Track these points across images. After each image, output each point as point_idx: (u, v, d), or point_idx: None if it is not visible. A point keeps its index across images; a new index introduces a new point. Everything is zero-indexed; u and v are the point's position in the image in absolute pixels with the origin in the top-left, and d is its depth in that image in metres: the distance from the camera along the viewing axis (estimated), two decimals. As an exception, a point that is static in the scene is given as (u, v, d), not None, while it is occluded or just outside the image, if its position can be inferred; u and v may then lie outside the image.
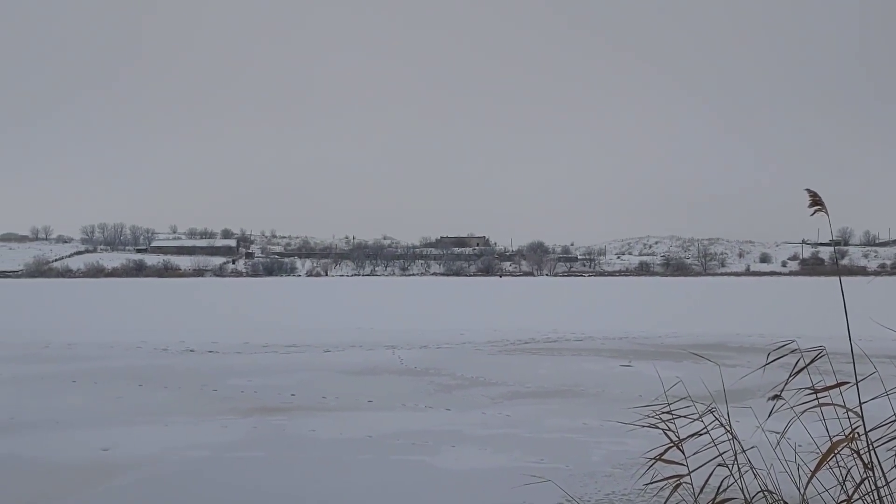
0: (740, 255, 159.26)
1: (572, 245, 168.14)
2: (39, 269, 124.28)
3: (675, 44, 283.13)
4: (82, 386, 10.70)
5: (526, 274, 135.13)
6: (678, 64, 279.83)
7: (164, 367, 12.63)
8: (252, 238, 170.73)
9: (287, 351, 15.00)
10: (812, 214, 3.09)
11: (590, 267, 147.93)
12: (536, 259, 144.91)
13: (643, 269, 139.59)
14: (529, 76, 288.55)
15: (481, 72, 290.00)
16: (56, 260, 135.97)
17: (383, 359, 13.63)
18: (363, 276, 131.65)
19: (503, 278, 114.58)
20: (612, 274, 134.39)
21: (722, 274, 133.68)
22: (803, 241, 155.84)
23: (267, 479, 5.94)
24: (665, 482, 3.15)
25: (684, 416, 3.18)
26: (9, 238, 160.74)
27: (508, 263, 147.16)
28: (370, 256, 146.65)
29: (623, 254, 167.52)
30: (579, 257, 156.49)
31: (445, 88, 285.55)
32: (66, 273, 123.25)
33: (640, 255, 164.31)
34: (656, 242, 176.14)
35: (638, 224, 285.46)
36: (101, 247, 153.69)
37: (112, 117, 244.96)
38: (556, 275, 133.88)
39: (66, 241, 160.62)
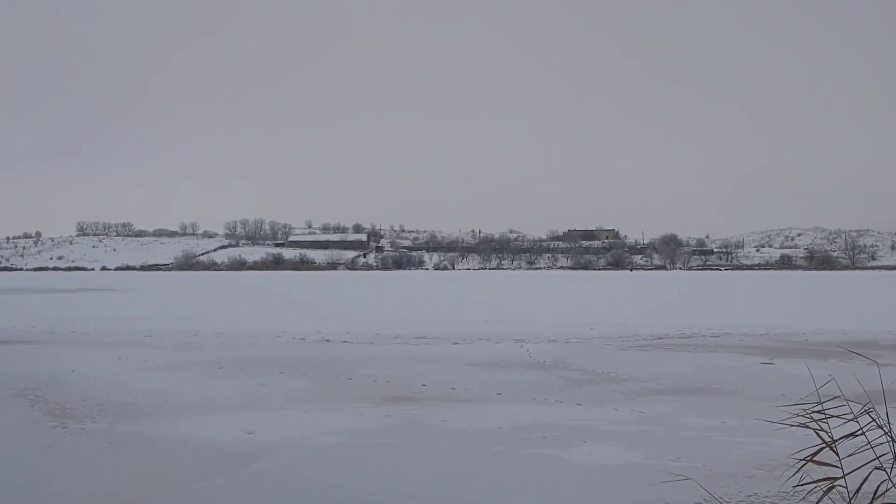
0: (893, 248, 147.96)
1: (707, 237, 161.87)
2: (188, 263, 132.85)
3: (816, 27, 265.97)
4: (228, 372, 11.34)
5: (658, 267, 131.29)
6: (820, 46, 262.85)
7: (302, 356, 13.18)
8: (382, 232, 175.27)
9: (417, 342, 15.29)
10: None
11: (726, 260, 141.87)
12: (669, 252, 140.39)
13: (785, 263, 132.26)
14: (661, 62, 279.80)
15: (613, 61, 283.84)
16: (202, 254, 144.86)
17: (511, 352, 13.63)
18: (489, 269, 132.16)
19: (634, 272, 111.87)
20: (750, 268, 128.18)
21: (872, 268, 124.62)
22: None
23: (400, 466, 6.08)
24: (815, 485, 2.99)
25: (837, 417, 3.00)
26: (160, 233, 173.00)
27: (639, 257, 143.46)
28: (496, 250, 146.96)
29: (763, 246, 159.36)
30: (715, 250, 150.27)
31: (574, 79, 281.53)
32: (212, 266, 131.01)
33: (781, 247, 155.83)
34: (799, 234, 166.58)
35: (779, 215, 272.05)
36: (243, 241, 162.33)
37: (252, 118, 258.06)
38: (690, 268, 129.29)
39: (211, 236, 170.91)
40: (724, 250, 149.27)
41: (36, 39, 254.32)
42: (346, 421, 7.77)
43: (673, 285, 53.25)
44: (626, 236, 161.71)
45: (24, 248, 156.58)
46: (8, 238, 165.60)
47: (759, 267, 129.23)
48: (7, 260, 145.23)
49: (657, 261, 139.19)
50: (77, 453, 6.57)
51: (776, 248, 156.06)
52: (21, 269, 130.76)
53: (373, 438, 6.99)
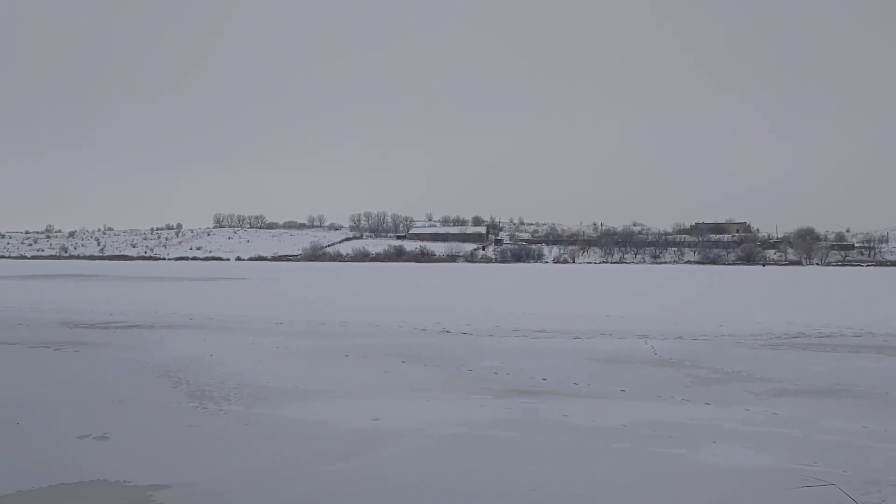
0: None
1: (847, 231, 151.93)
2: (315, 254, 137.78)
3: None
4: (354, 360, 11.69)
5: (793, 263, 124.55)
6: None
7: (423, 346, 13.40)
8: (501, 225, 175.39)
9: (536, 336, 15.19)
10: None
11: (868, 256, 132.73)
12: (805, 246, 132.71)
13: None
14: (794, 48, 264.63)
15: (742, 50, 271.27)
16: (328, 245, 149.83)
17: (635, 348, 13.31)
18: (611, 263, 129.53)
19: (766, 267, 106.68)
20: (895, 264, 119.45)
21: None
22: None
23: (522, 459, 6.07)
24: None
25: None
26: (290, 226, 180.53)
27: (773, 251, 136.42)
28: (619, 243, 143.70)
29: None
30: (856, 245, 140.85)
31: (703, 69, 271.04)
32: (337, 257, 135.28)
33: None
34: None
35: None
36: (367, 233, 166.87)
37: (374, 111, 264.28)
38: (828, 264, 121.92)
39: (336, 229, 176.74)
40: (865, 245, 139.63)
41: (152, 39, 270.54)
42: (467, 412, 7.84)
43: (809, 282, 50.38)
44: (758, 230, 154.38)
45: (166, 238, 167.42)
46: (152, 229, 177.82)
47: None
48: (151, 250, 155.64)
49: (792, 256, 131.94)
50: (216, 433, 6.96)
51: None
52: (163, 259, 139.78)
53: (494, 430, 7.01)
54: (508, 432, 6.93)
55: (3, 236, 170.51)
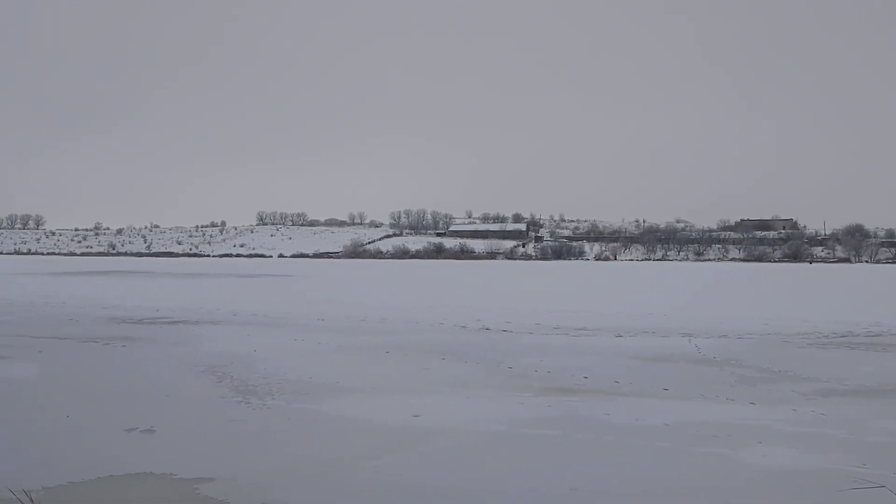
0: None
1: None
2: (356, 251, 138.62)
3: None
4: (394, 357, 11.74)
5: (841, 260, 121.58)
6: None
7: (463, 343, 13.39)
8: (541, 222, 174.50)
9: (577, 334, 15.09)
10: None
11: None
12: (854, 244, 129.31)
13: None
14: (839, 44, 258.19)
15: (777, 42, 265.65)
16: (369, 243, 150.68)
17: (678, 346, 13.13)
18: (654, 260, 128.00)
19: (813, 265, 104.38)
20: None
21: None
22: None
23: (562, 457, 6.04)
24: None
25: None
26: (331, 223, 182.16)
27: (820, 249, 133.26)
28: (662, 240, 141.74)
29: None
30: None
31: (746, 61, 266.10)
32: (378, 254, 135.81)
33: None
34: None
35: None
36: (407, 231, 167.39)
37: (414, 111, 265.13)
38: (877, 261, 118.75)
39: (377, 226, 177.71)
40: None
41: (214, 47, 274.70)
42: (507, 409, 7.82)
43: (858, 279, 49.13)
44: (804, 226, 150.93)
45: (210, 236, 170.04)
46: (197, 227, 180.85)
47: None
48: (196, 247, 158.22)
49: (840, 253, 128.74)
50: (259, 427, 7.06)
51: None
52: (208, 256, 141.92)
53: (534, 428, 6.98)
54: (549, 430, 6.90)
55: (54, 234, 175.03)
